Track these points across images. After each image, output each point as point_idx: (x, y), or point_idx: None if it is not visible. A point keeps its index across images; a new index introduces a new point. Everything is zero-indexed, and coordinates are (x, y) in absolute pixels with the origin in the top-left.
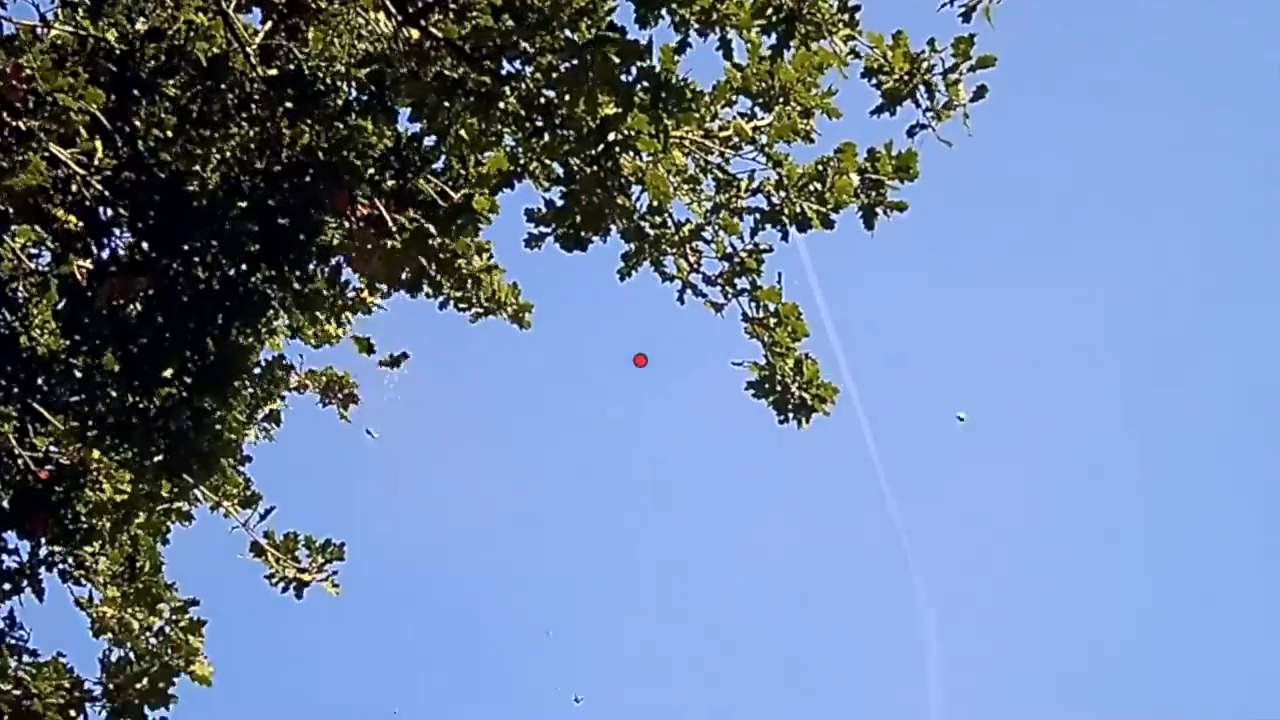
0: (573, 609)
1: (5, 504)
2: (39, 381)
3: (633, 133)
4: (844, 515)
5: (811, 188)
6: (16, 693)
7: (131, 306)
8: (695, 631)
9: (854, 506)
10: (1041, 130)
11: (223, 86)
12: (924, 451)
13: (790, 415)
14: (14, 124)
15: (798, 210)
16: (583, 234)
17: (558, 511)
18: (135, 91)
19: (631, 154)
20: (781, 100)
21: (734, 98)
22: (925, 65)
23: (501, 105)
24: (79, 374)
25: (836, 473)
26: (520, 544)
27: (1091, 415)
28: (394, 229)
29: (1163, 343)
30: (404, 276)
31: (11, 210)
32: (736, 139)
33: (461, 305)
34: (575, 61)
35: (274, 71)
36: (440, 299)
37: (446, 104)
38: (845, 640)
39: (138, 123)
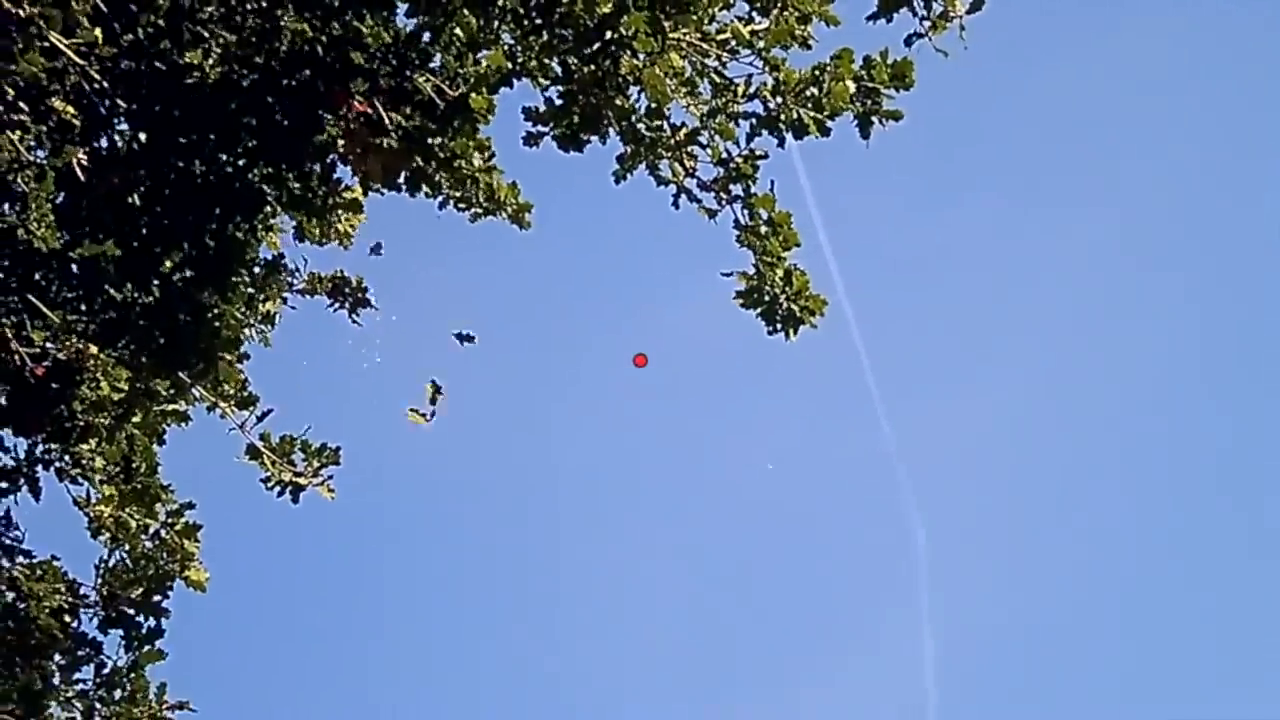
0: (562, 519)
1: (2, 401)
2: (37, 276)
3: (630, 32)
4: (837, 429)
5: (808, 93)
6: (10, 595)
7: (130, 198)
8: (685, 549)
9: (847, 421)
10: (1039, 41)
11: None
12: (916, 367)
13: (778, 326)
14: (13, 11)
15: (794, 116)
16: (580, 134)
17: (552, 416)
18: None
19: (629, 54)
20: (779, 5)
21: (733, 1)
22: None
23: (499, 2)
24: (77, 268)
25: (830, 387)
26: (510, 449)
27: (1082, 333)
28: (391, 127)
29: (1152, 260)
30: (402, 176)
31: (8, 103)
32: (734, 42)
33: (460, 205)
34: None
35: None
36: (439, 199)
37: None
38: (837, 557)
39: (137, 12)
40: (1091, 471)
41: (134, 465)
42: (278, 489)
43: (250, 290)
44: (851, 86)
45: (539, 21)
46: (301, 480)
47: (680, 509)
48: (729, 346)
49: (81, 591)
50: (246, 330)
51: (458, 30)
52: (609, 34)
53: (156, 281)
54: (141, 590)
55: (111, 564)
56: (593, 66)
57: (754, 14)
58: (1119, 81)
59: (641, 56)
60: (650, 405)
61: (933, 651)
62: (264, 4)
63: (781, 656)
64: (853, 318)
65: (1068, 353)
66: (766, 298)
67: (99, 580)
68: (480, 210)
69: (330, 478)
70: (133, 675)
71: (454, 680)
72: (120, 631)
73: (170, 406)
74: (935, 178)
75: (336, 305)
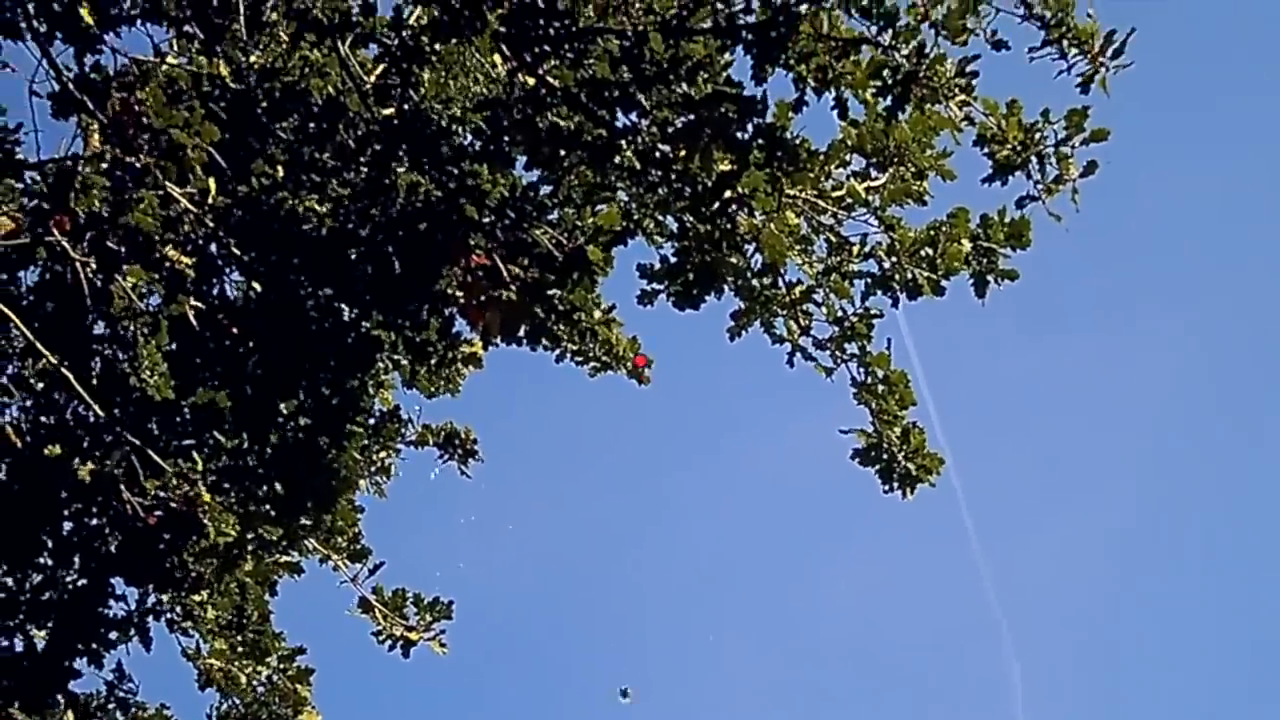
0: (665, 656)
1: (113, 549)
2: (149, 424)
3: (748, 191)
4: (932, 565)
5: (923, 253)
6: None
7: (244, 348)
8: (783, 682)
9: (942, 558)
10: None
11: (337, 129)
12: (1013, 507)
13: (895, 485)
14: (128, 160)
15: (909, 277)
16: (696, 292)
17: (650, 554)
18: (249, 130)
19: (746, 212)
20: (896, 161)
21: (848, 156)
22: (1038, 136)
23: (617, 158)
24: (190, 416)
25: (925, 522)
26: (616, 594)
27: (1176, 466)
28: (509, 280)
29: (1243, 393)
30: (522, 329)
31: (123, 249)
32: (850, 200)
33: (578, 359)
34: (692, 116)
35: (389, 111)
36: (557, 352)
37: (562, 154)
38: (931, 693)
39: (251, 163)
40: (1190, 607)
41: (246, 614)
42: (389, 643)
43: (365, 440)
44: (967, 246)
45: (655, 178)
46: (413, 635)
47: (776, 646)
48: (827, 482)
49: None
50: (361, 481)
51: (575, 183)
52: (727, 192)
53: (271, 431)
54: None
55: (224, 710)
56: (709, 225)
57: (870, 169)
58: (1212, 217)
59: (759, 215)
60: (748, 540)
61: None
62: (380, 155)
63: None
64: (949, 452)
65: (1162, 486)
66: (884, 456)
67: None
68: (599, 364)
69: (442, 632)
70: None
71: None
72: None
73: (283, 558)
74: (1027, 313)
75: (447, 457)
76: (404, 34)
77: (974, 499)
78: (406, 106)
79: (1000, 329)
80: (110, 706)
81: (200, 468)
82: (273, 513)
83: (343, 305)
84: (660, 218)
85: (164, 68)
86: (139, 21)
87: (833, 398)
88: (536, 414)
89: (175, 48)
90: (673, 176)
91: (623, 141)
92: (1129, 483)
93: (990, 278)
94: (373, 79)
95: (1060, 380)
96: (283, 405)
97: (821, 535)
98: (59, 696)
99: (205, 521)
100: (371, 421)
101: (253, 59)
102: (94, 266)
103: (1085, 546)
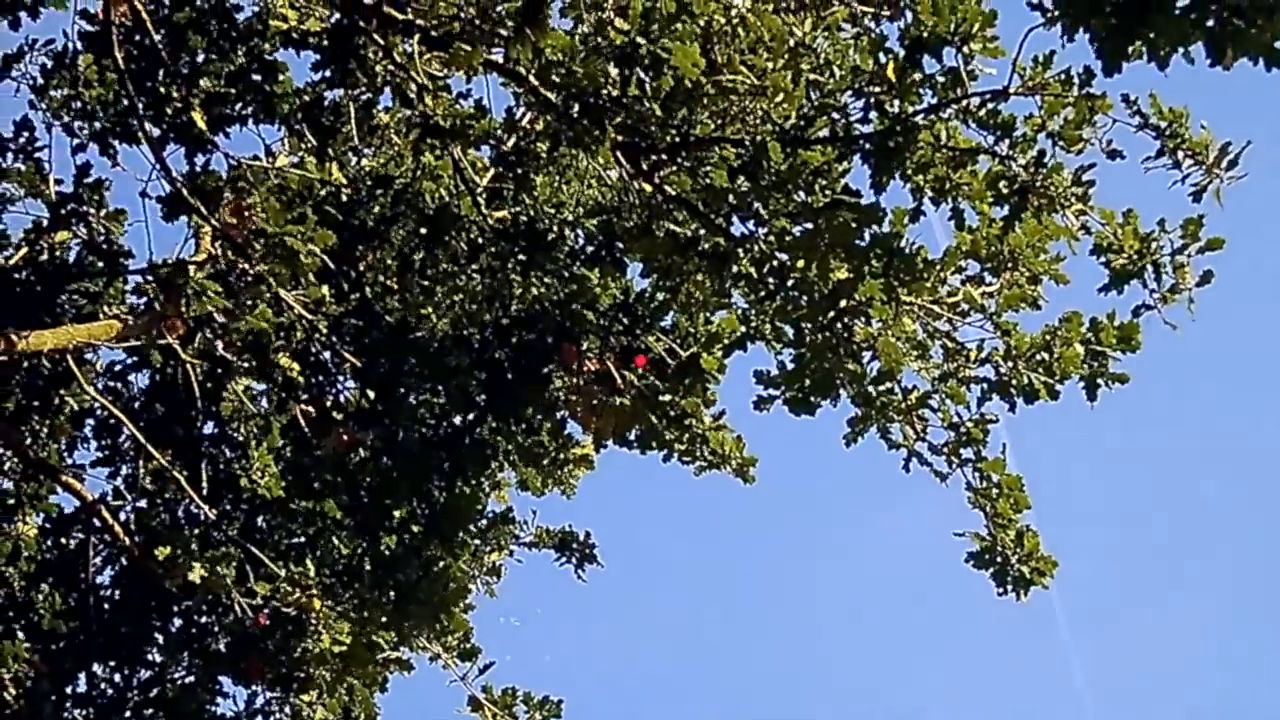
0: None
1: (222, 648)
2: (259, 525)
3: (865, 299)
4: (1022, 658)
5: (1039, 358)
6: None
7: (356, 452)
8: None
9: (1033, 652)
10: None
11: (451, 233)
12: (1103, 595)
13: (1009, 588)
14: (242, 266)
15: (1025, 381)
16: (812, 398)
17: (746, 644)
18: (362, 236)
19: (863, 320)
20: (1009, 266)
21: (962, 262)
22: (1154, 245)
23: (734, 266)
24: (300, 519)
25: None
26: (721, 685)
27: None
28: (622, 385)
29: None
30: (633, 433)
31: (235, 355)
32: (965, 306)
33: (685, 459)
34: (810, 225)
35: (501, 214)
36: (664, 453)
37: (680, 262)
38: None
39: (364, 269)
40: None
41: (353, 715)
42: None
43: (477, 543)
44: (1080, 350)
45: (773, 286)
46: None
47: None
48: (919, 572)
49: None
50: (473, 585)
51: (693, 291)
52: (844, 301)
53: (384, 535)
54: None
55: None
56: (826, 333)
57: (984, 273)
58: None
59: (875, 323)
60: (841, 628)
61: None
62: (494, 262)
63: None
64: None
65: (1256, 580)
66: (998, 559)
67: None
68: (705, 464)
69: None
70: None
71: None
72: None
73: (393, 654)
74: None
75: (563, 560)
76: (518, 138)
77: (1064, 589)
78: (518, 208)
79: (1089, 421)
80: None
81: (312, 573)
82: (385, 619)
83: (455, 411)
84: (777, 324)
85: (275, 170)
86: (250, 122)
87: (918, 493)
88: (641, 510)
89: (286, 147)
90: (789, 284)
91: (740, 249)
92: (1221, 576)
93: (1101, 381)
94: (485, 182)
95: (1154, 473)
96: (396, 511)
97: (912, 624)
98: None
99: (318, 628)
100: (484, 523)
101: (365, 162)
102: (204, 369)
103: (1175, 639)
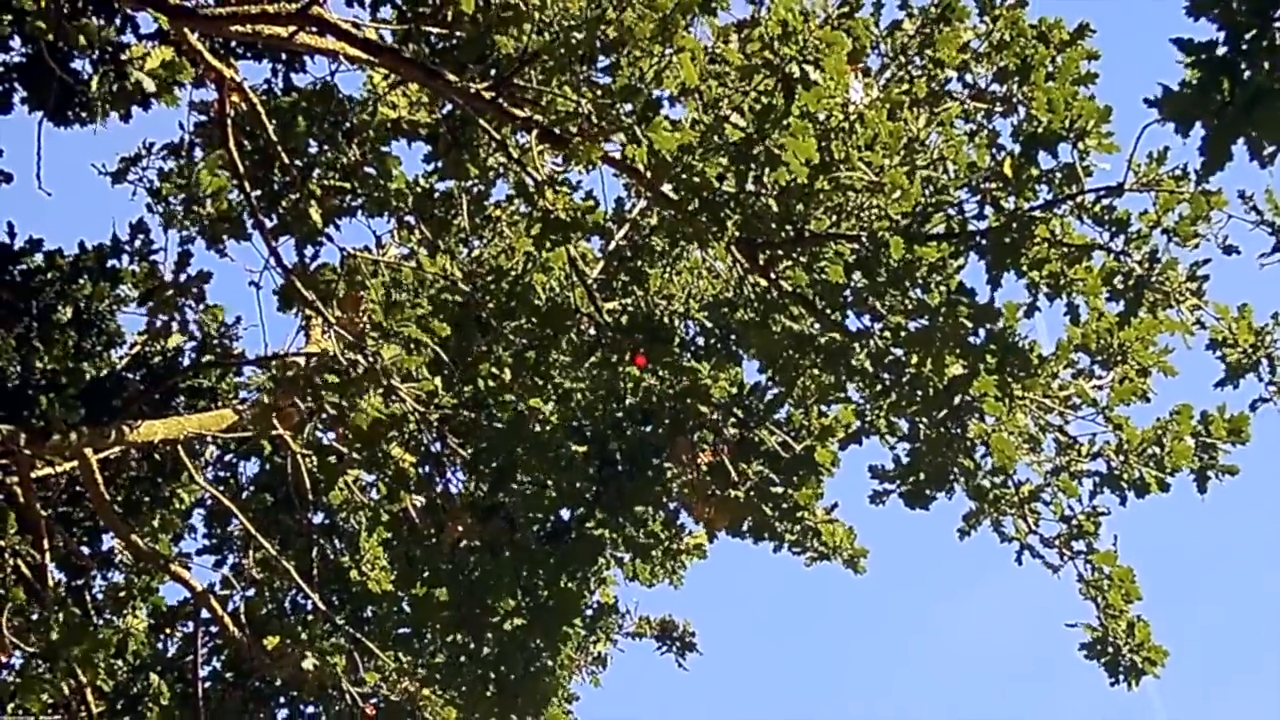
0: None
1: None
2: (367, 615)
3: (979, 395)
4: None
5: (1150, 452)
6: None
7: (464, 544)
8: None
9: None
10: None
11: (564, 327)
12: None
13: (1121, 678)
14: (355, 359)
15: (1136, 475)
16: (926, 492)
17: None
18: (475, 328)
19: (977, 416)
20: (1120, 360)
21: (1075, 356)
22: (1269, 339)
23: (851, 361)
24: (409, 610)
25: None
26: None
27: None
28: (736, 479)
29: None
30: (746, 526)
31: (346, 446)
32: (1076, 400)
33: (796, 550)
34: (926, 321)
35: (612, 305)
36: (774, 544)
37: (796, 356)
38: None
39: (476, 362)
40: None
41: None
42: None
43: (581, 636)
44: (1190, 443)
45: (888, 381)
46: None
47: None
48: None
49: None
50: (576, 673)
51: (808, 385)
52: (959, 398)
53: (490, 628)
54: None
55: None
56: (941, 429)
57: (1095, 367)
58: None
59: (989, 419)
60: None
61: None
62: (609, 355)
63: None
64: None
65: None
66: (1110, 649)
67: None
68: (816, 555)
69: None
70: None
71: None
72: None
73: None
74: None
75: (664, 649)
76: (630, 230)
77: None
78: (629, 303)
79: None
80: None
81: (420, 662)
82: (491, 709)
83: (565, 504)
84: (892, 419)
85: (388, 263)
86: (360, 214)
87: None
88: (746, 598)
89: (396, 240)
90: (904, 379)
91: (856, 344)
92: None
93: (1211, 473)
94: (594, 273)
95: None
96: (501, 605)
97: (1008, 706)
98: None
99: (426, 716)
100: (589, 613)
101: (477, 253)
102: (315, 460)
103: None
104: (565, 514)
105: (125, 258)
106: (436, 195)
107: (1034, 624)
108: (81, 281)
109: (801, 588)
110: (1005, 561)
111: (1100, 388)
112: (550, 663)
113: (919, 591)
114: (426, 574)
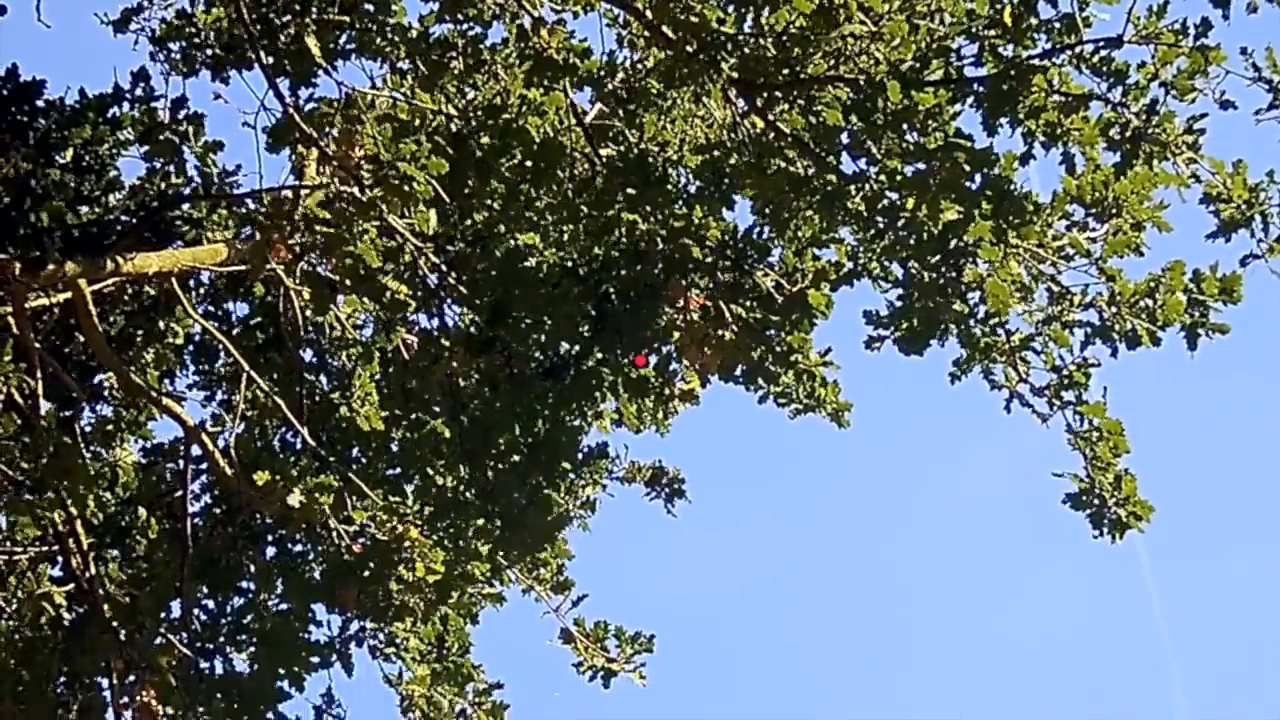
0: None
1: (317, 577)
2: (357, 451)
3: (974, 241)
4: (1104, 602)
5: (1142, 305)
6: None
7: (459, 381)
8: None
9: (1115, 595)
10: None
11: (557, 167)
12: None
13: (1105, 531)
14: (353, 192)
15: (1128, 327)
16: (921, 338)
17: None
18: (469, 167)
19: (971, 261)
20: (1115, 213)
21: (1069, 208)
22: (1263, 196)
23: (846, 204)
24: (401, 446)
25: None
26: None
27: None
28: (729, 320)
29: None
30: (739, 369)
31: (340, 280)
32: (1070, 250)
33: (781, 401)
34: (923, 166)
35: (607, 151)
36: (760, 394)
37: (790, 198)
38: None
39: (472, 198)
40: None
41: (446, 645)
42: (589, 674)
43: (573, 475)
44: (1182, 299)
45: (882, 225)
46: (614, 666)
47: (941, 676)
48: (1004, 511)
49: None
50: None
51: (802, 229)
52: (954, 242)
53: (487, 464)
54: None
55: None
56: (935, 273)
57: (1089, 219)
58: None
59: (984, 264)
60: (923, 566)
61: None
62: (603, 196)
63: None
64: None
65: None
66: (1095, 502)
67: None
68: (801, 406)
69: (643, 665)
70: None
71: None
72: None
73: (486, 590)
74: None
75: (653, 495)
76: (624, 77)
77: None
78: (624, 149)
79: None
80: None
81: (411, 502)
82: (483, 549)
83: (562, 342)
84: (885, 264)
85: (384, 101)
86: (356, 56)
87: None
88: (733, 451)
89: (388, 83)
90: (899, 223)
91: (851, 187)
92: None
93: (1201, 331)
94: (590, 118)
95: (1243, 417)
96: (500, 439)
97: (995, 563)
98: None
99: (414, 556)
100: (581, 456)
101: (471, 96)
102: (307, 296)
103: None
104: (563, 351)
105: (126, 104)
106: (432, 38)
107: (1024, 489)
108: (82, 125)
109: (791, 446)
110: (995, 426)
111: (1094, 240)
112: (550, 497)
113: (910, 453)
114: (420, 411)
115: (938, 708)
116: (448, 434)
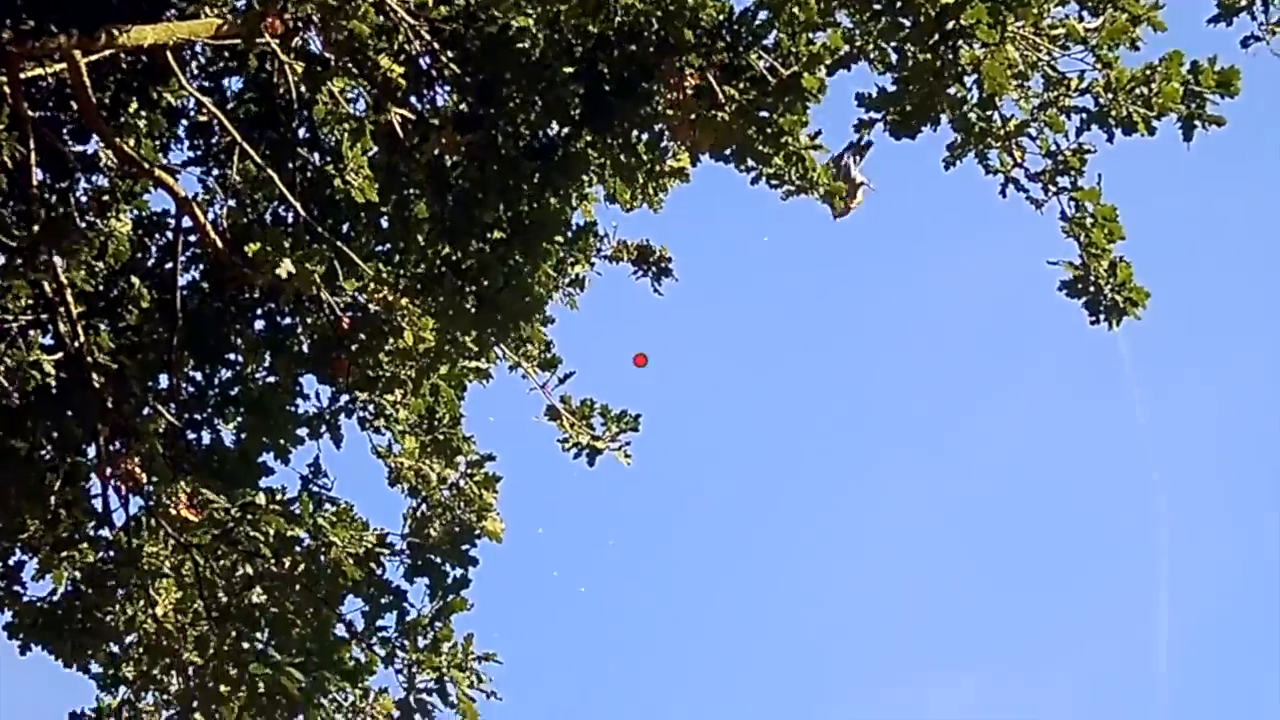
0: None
1: (307, 348)
2: (347, 227)
3: (971, 23)
4: (1087, 398)
5: (1138, 92)
6: (311, 543)
7: (450, 159)
8: (928, 517)
9: (1098, 390)
10: None
11: None
12: (1174, 341)
13: (1101, 317)
14: None
15: (1124, 113)
16: (913, 121)
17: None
18: None
19: (968, 44)
20: (1110, 5)
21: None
22: None
23: None
24: (390, 223)
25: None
26: (784, 415)
27: None
28: (722, 101)
29: None
30: (730, 149)
31: (334, 55)
32: (1066, 38)
33: (773, 182)
34: None
35: None
36: (752, 174)
37: None
38: (1079, 528)
39: None
40: None
41: (437, 416)
42: (574, 451)
43: (560, 253)
44: (1179, 88)
45: (879, 6)
46: (599, 445)
47: (929, 474)
48: (989, 313)
49: (389, 540)
50: (555, 295)
51: (796, 10)
52: (950, 24)
53: (471, 241)
54: (449, 539)
55: (418, 514)
56: (930, 55)
57: (1084, 13)
58: None
59: (980, 47)
60: (909, 368)
61: (1168, 628)
62: None
63: (1019, 628)
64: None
65: None
66: (1091, 288)
67: (407, 527)
68: (793, 188)
69: (628, 444)
70: (438, 624)
71: (736, 645)
72: (426, 580)
73: (473, 364)
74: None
75: (640, 273)
76: None
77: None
78: None
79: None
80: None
81: (400, 273)
82: (468, 323)
83: (551, 121)
84: (882, 45)
85: None
86: None
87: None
88: (724, 233)
89: None
90: (896, 5)
91: None
92: None
93: (1198, 122)
94: None
95: (1230, 222)
96: (484, 218)
97: (984, 364)
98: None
99: (403, 325)
100: (569, 234)
101: None
102: (301, 71)
103: (1245, 388)
104: (553, 130)
105: None
106: None
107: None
108: None
109: (786, 236)
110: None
111: (1091, 30)
112: (530, 279)
113: (901, 251)
114: (410, 188)
115: (919, 491)
116: (427, 214)
